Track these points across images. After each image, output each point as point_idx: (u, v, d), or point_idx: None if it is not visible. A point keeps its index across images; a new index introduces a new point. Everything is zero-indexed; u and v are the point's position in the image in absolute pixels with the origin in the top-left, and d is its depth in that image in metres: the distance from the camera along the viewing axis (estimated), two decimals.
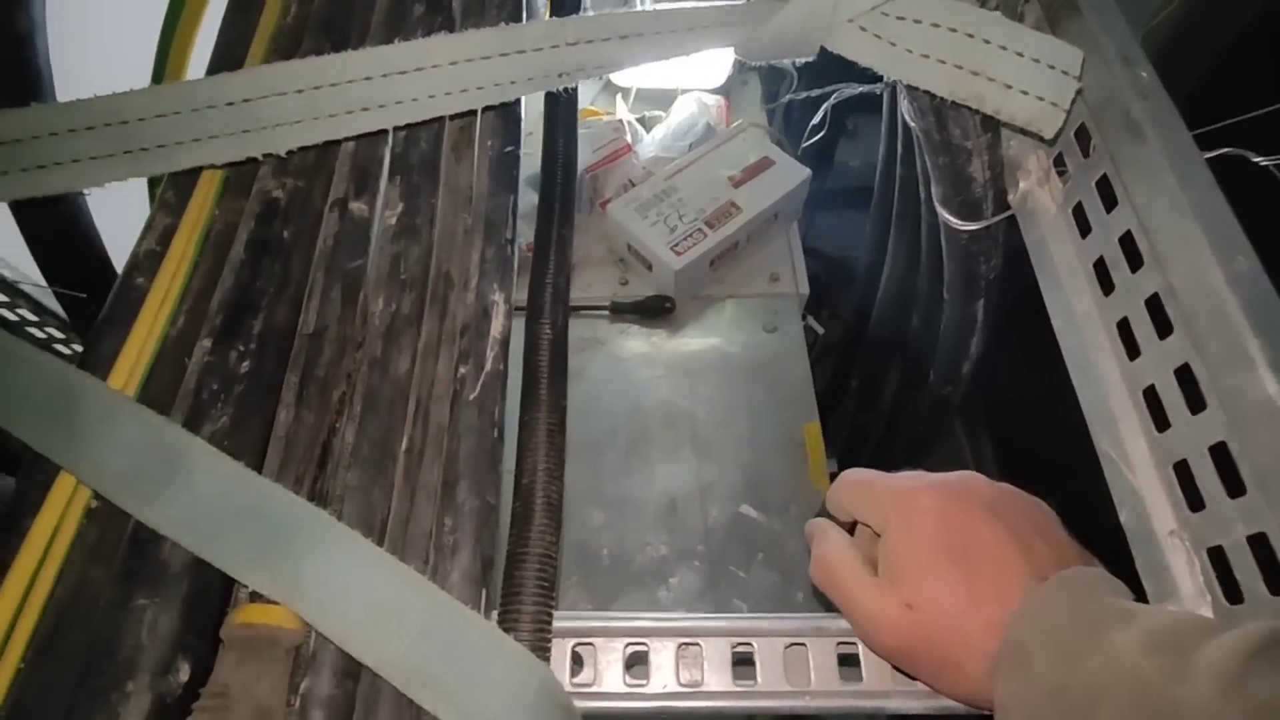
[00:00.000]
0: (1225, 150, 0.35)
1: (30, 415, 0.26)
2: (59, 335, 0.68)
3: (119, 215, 0.47)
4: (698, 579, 0.80)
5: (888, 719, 0.30)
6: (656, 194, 0.96)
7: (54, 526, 0.25)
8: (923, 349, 0.73)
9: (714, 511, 0.85)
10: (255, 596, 0.24)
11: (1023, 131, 0.27)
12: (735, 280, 0.99)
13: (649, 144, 1.04)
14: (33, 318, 0.66)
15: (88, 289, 0.55)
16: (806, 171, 0.97)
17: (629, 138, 1.02)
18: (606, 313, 0.97)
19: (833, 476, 0.88)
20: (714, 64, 1.11)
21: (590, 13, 0.29)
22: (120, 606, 0.23)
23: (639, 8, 0.94)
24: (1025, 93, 0.26)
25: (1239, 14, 1.24)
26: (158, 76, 0.46)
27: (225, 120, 0.26)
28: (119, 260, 0.60)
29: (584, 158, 0.99)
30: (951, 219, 0.40)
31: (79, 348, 0.70)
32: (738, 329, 0.99)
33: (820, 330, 1.28)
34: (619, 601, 0.74)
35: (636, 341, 0.97)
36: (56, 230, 0.51)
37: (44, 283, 0.59)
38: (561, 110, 0.37)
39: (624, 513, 0.84)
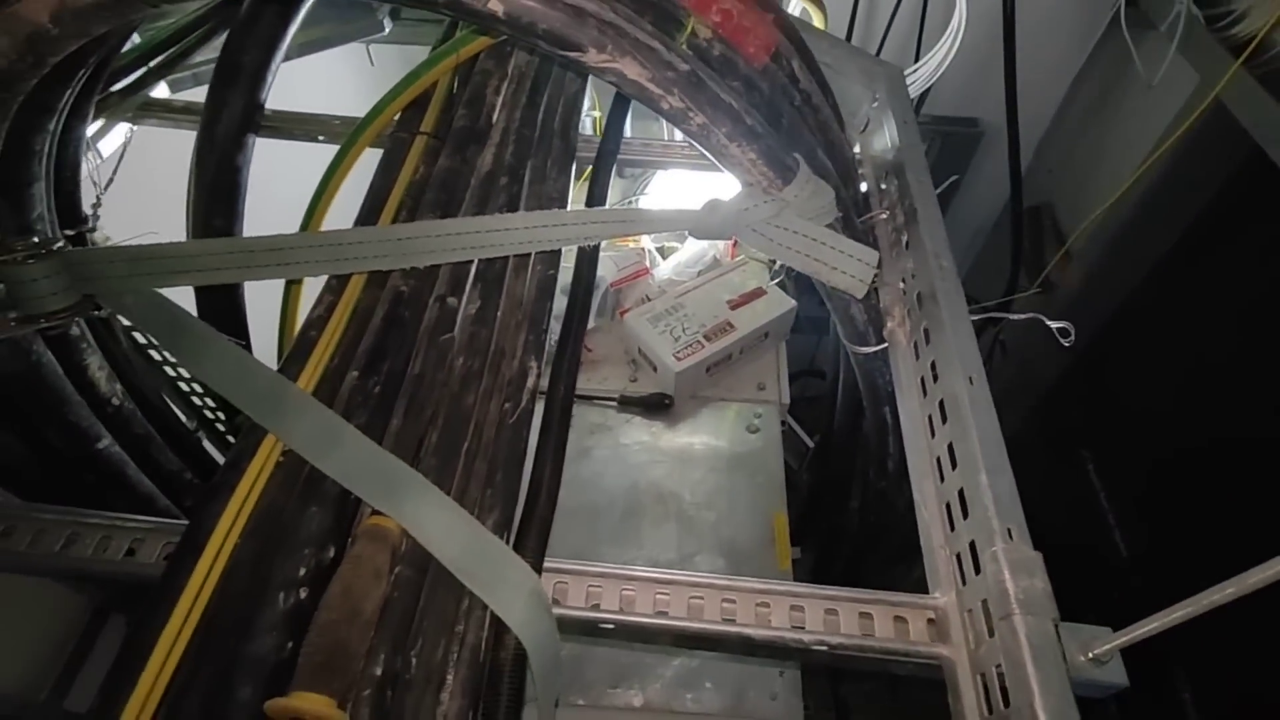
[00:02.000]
0: (991, 314, 0.53)
1: (256, 401, 0.44)
2: None
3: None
4: None
5: None
6: (667, 309, 1.17)
7: (260, 467, 0.43)
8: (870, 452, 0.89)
9: None
10: (375, 514, 0.41)
11: (841, 291, 0.46)
12: (727, 385, 1.17)
13: (664, 269, 1.26)
14: None
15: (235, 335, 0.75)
16: (793, 303, 1.17)
17: (648, 262, 1.24)
18: (615, 404, 1.15)
19: (795, 563, 1.02)
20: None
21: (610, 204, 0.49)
22: (301, 511, 0.40)
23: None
24: (843, 272, 0.44)
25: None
26: (310, 212, 0.69)
27: (391, 248, 0.46)
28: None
29: (610, 274, 1.21)
30: (849, 345, 0.58)
31: None
32: (726, 427, 1.16)
33: (811, 444, 1.44)
34: (599, 644, 0.87)
35: (638, 430, 1.14)
36: (224, 296, 0.72)
37: None
38: (588, 250, 0.57)
39: None
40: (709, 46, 0.42)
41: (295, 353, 0.49)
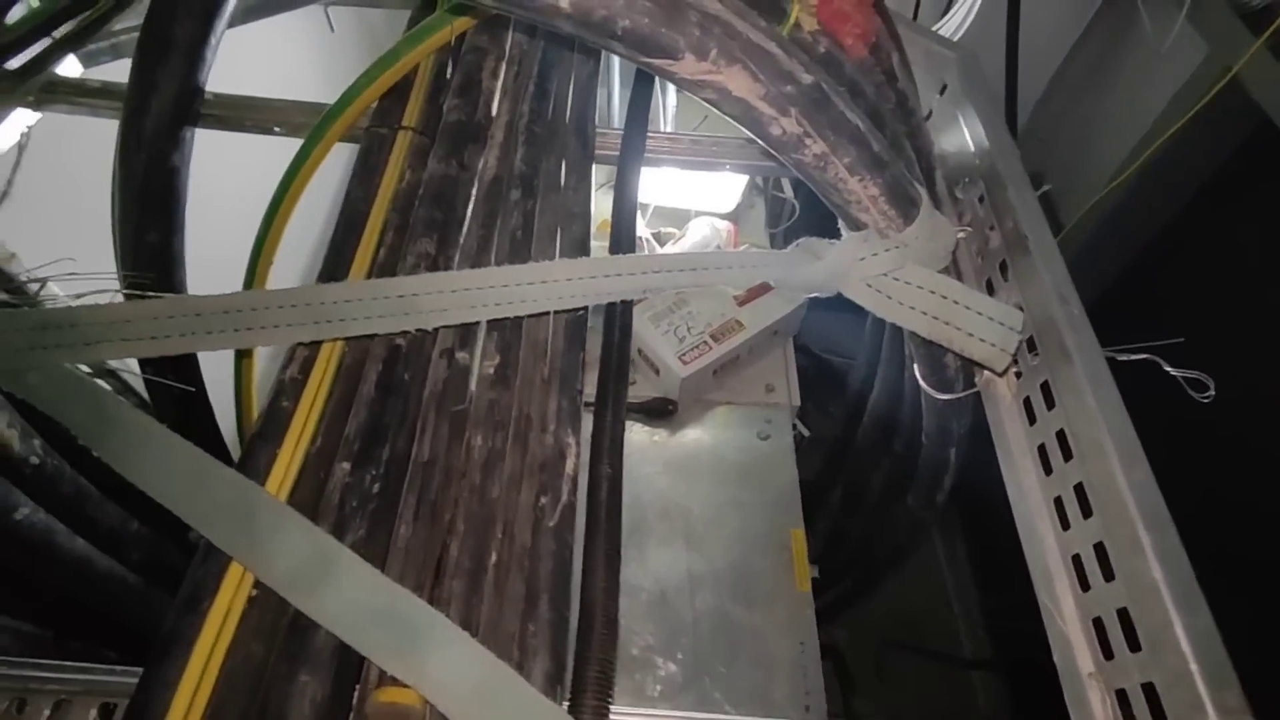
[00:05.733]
0: (1143, 357, 0.45)
1: (216, 518, 0.33)
2: None
3: None
4: (683, 672, 0.85)
5: None
6: (669, 306, 1.06)
7: (226, 608, 0.32)
8: (903, 472, 0.82)
9: (701, 605, 0.91)
10: (382, 678, 0.31)
11: (977, 364, 0.37)
12: (733, 388, 1.08)
13: None
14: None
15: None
16: (804, 298, 1.08)
17: (645, 252, 1.13)
18: None
19: (814, 581, 0.95)
20: (726, 191, 1.24)
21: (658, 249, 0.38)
22: (288, 680, 0.30)
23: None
24: (982, 340, 0.35)
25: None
26: (268, 221, 0.56)
27: (393, 306, 0.35)
28: None
29: None
30: (930, 390, 0.49)
31: None
32: (733, 434, 1.07)
33: (806, 433, 1.37)
34: None
35: (639, 438, 1.05)
36: None
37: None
38: None
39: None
40: (814, 42, 0.32)
41: (264, 433, 0.38)
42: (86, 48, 0.59)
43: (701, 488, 1.01)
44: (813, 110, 0.28)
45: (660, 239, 1.21)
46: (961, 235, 0.50)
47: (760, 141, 0.29)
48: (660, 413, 1.06)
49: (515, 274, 0.35)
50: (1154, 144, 1.66)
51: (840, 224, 0.35)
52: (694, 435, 1.06)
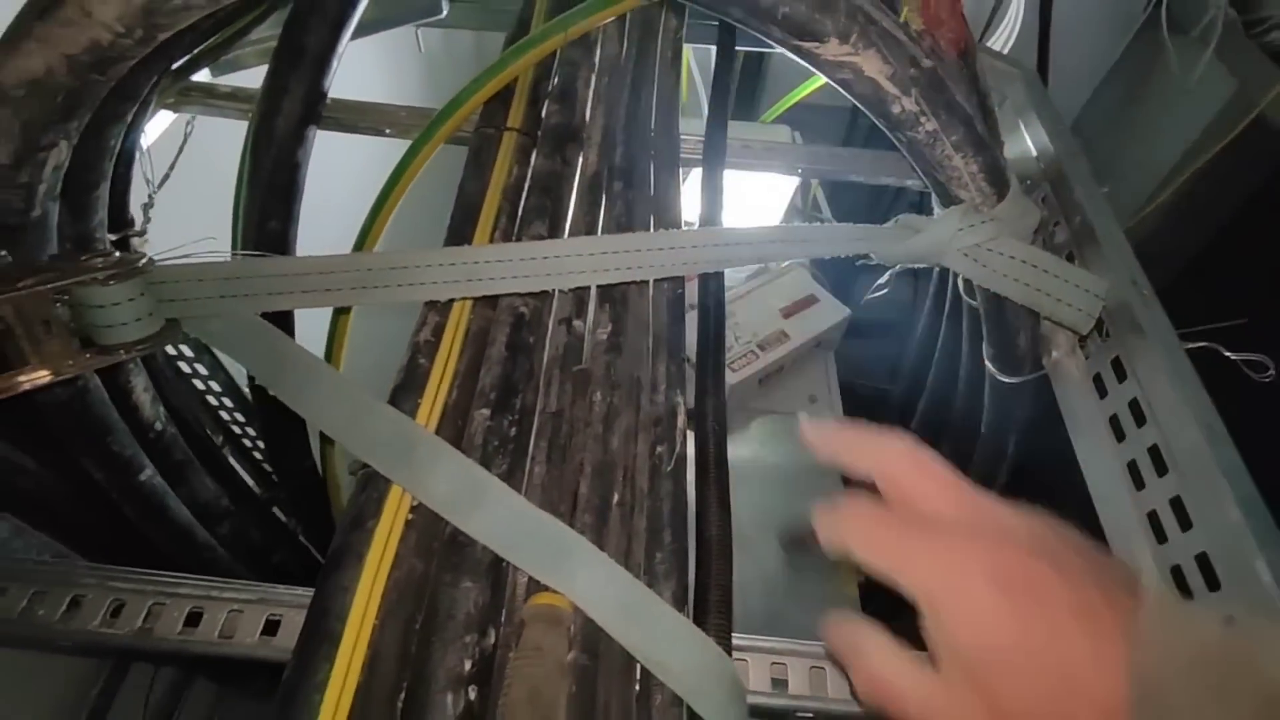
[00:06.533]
0: (1202, 345, 0.48)
1: (379, 449, 0.37)
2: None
3: None
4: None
5: None
6: None
7: (389, 527, 0.36)
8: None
9: (752, 607, 0.93)
10: (531, 588, 0.34)
11: (1064, 326, 0.41)
12: (778, 398, 1.12)
13: None
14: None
15: None
16: (847, 311, 1.12)
17: None
18: None
19: (860, 586, 0.97)
20: (766, 211, 1.29)
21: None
22: (453, 586, 0.33)
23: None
24: (1069, 305, 0.39)
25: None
26: (375, 212, 0.62)
27: (535, 267, 0.39)
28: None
29: None
30: (997, 373, 0.53)
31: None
32: (778, 442, 1.10)
33: None
34: None
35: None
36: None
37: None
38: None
39: None
40: (921, 38, 0.36)
41: (404, 384, 0.42)
42: (225, 56, 0.65)
43: (749, 494, 1.04)
44: (931, 91, 0.32)
45: None
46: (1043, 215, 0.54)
47: (878, 120, 0.33)
48: None
49: (624, 241, 0.40)
50: (1181, 177, 1.70)
51: (934, 202, 0.39)
52: (742, 442, 1.09)
